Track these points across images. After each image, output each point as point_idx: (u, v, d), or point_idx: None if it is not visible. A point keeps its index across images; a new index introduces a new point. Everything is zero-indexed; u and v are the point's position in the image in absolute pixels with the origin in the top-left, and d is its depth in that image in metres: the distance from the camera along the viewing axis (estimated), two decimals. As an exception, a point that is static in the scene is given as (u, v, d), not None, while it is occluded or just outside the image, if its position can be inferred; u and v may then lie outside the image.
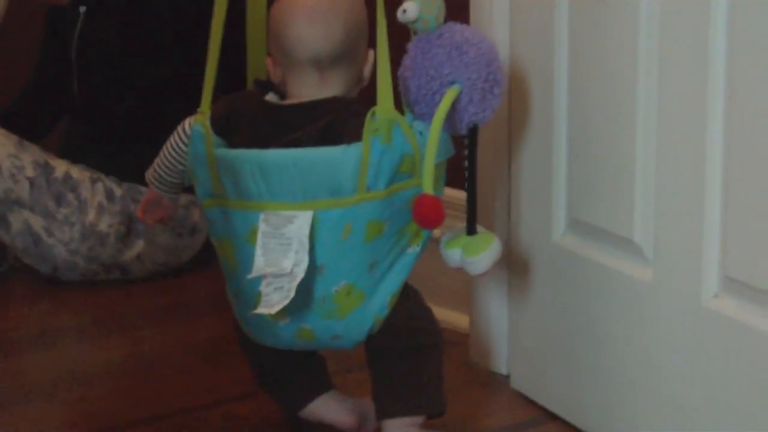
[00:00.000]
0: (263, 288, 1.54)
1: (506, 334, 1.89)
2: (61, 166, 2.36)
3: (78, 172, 2.36)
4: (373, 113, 1.54)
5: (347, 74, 1.62)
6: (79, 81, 2.45)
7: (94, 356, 2.06)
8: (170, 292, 2.35)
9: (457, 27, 1.58)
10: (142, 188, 2.36)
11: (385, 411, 1.63)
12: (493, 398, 1.86)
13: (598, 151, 1.64)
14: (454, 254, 1.61)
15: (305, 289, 1.56)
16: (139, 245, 2.37)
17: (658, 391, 1.56)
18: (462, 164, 1.90)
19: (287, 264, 1.53)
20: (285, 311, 1.57)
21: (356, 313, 1.59)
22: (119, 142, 2.42)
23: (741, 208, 1.42)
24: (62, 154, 2.43)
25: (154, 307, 2.28)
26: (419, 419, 1.63)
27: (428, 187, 1.53)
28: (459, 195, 1.96)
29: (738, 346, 1.44)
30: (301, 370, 1.71)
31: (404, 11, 1.55)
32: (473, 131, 1.59)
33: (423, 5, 1.55)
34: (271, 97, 1.64)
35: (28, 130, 2.48)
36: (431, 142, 1.54)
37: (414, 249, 1.62)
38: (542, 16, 1.72)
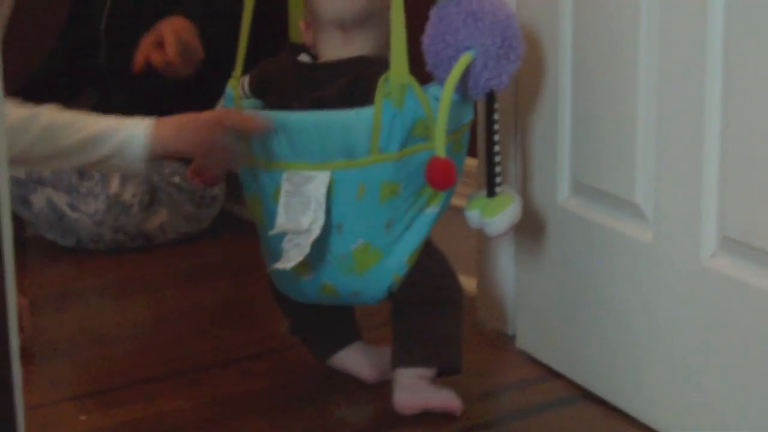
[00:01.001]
0: (285, 244, 1.59)
1: (512, 295, 1.93)
2: None
3: None
4: (387, 78, 1.58)
5: (374, 36, 1.67)
6: (108, 53, 2.47)
7: (114, 316, 2.11)
8: (189, 256, 2.39)
9: None
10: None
11: (398, 360, 1.67)
12: (500, 357, 1.90)
13: (601, 117, 1.68)
14: (473, 215, 1.66)
15: (325, 246, 1.62)
16: (162, 214, 2.41)
17: (659, 348, 1.60)
18: (474, 130, 1.94)
19: (305, 221, 1.58)
20: (308, 267, 1.63)
21: (375, 270, 1.64)
22: (144, 115, 2.43)
23: (738, 170, 1.46)
24: None
25: (173, 271, 2.32)
26: (430, 372, 1.67)
27: (440, 150, 1.57)
28: (466, 161, 2.00)
29: (736, 304, 1.47)
30: (329, 322, 1.77)
31: None
32: (490, 96, 1.63)
33: None
34: (302, 57, 1.71)
35: (48, 101, 2.50)
36: (442, 107, 1.57)
37: (433, 210, 1.65)
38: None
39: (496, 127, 1.66)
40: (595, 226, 1.71)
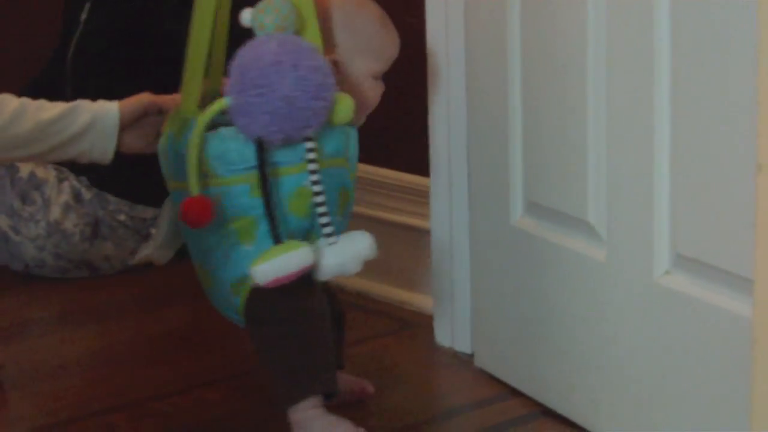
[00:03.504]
0: None
1: (469, 314, 1.94)
2: (26, 166, 2.37)
3: (44, 171, 2.37)
4: (177, 110, 1.62)
5: None
6: (73, 85, 2.44)
7: (66, 347, 2.08)
8: (140, 283, 2.36)
9: (258, 41, 1.59)
10: (110, 197, 2.38)
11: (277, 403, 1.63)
12: (458, 377, 1.90)
13: (551, 137, 1.69)
14: None
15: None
16: (107, 247, 2.39)
17: (615, 365, 1.61)
18: (426, 150, 1.95)
19: None
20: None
21: (213, 291, 1.67)
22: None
23: (689, 188, 1.46)
24: None
25: (124, 298, 2.30)
26: (306, 405, 1.60)
27: (191, 188, 1.57)
28: (419, 181, 2.01)
29: (690, 320, 1.48)
30: None
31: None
32: (258, 144, 1.58)
33: (254, 13, 1.58)
34: None
35: None
36: (190, 146, 1.57)
37: (248, 247, 1.61)
38: (495, 8, 1.76)
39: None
40: (548, 245, 1.71)
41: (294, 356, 1.61)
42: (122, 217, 2.39)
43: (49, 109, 1.68)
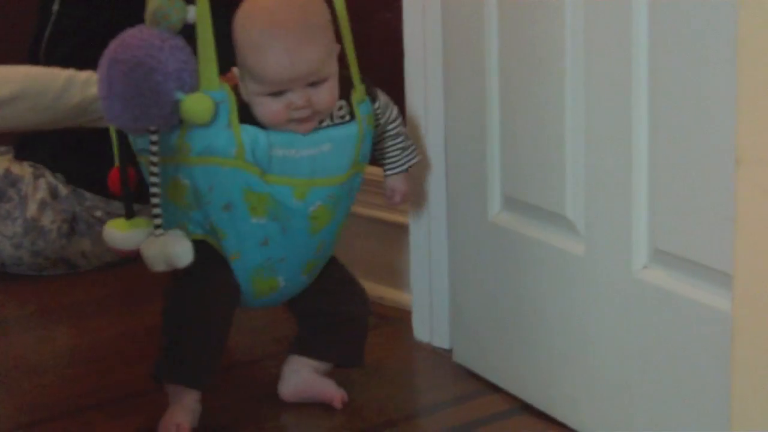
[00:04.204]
0: None
1: (448, 309, 1.94)
2: (1, 164, 2.37)
3: (19, 168, 2.36)
4: None
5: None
6: None
7: (43, 345, 2.08)
8: (117, 281, 2.36)
9: (120, 35, 1.63)
10: (87, 194, 2.37)
11: None
12: (437, 372, 1.90)
13: (529, 132, 1.69)
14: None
15: None
16: (84, 243, 2.39)
17: (593, 360, 1.61)
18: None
19: None
20: None
21: None
22: (75, 147, 2.40)
23: (667, 182, 1.47)
24: (18, 148, 2.43)
25: (100, 296, 2.29)
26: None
27: (116, 159, 1.68)
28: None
29: (668, 315, 1.49)
30: (299, 327, 1.87)
31: None
32: (117, 130, 1.67)
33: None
34: None
35: None
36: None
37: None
38: (473, 3, 1.76)
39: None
40: (527, 240, 1.71)
41: (167, 339, 1.71)
42: (99, 214, 2.38)
43: (94, 85, 1.83)
